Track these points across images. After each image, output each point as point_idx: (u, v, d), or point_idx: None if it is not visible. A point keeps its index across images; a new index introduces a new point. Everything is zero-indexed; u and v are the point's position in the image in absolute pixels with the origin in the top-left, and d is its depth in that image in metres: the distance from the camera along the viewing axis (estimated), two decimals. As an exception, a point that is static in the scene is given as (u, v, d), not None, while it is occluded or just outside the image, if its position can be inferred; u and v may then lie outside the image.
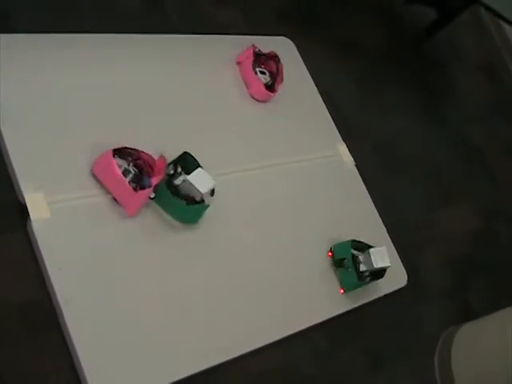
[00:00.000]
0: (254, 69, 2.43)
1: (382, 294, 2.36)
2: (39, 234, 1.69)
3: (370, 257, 2.18)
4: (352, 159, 2.62)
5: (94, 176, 1.83)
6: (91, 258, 1.75)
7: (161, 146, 2.00)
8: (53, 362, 1.61)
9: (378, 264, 2.18)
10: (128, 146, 1.85)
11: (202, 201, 1.95)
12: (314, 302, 2.17)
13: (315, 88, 2.70)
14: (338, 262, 2.24)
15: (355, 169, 2.61)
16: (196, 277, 1.93)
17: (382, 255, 2.20)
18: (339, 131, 2.66)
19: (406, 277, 2.50)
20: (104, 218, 1.83)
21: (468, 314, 2.64)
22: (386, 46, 3.31)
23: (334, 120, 2.66)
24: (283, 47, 2.65)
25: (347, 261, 2.20)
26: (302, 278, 2.19)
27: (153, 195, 1.85)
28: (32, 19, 2.06)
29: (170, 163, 1.95)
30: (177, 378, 1.73)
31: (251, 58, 2.42)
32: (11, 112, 1.82)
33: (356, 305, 2.26)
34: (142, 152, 1.87)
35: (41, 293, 1.66)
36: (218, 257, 2.01)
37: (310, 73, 2.72)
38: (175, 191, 1.90)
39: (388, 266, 2.22)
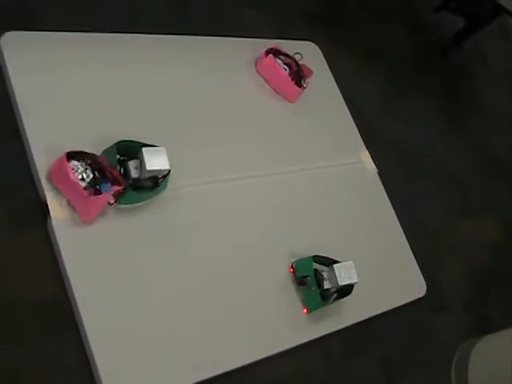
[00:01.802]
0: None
1: (400, 303, 2.34)
2: (59, 233, 1.70)
3: (334, 273, 2.02)
4: (374, 167, 2.60)
5: (51, 182, 1.74)
6: (110, 258, 1.76)
7: (179, 148, 2.02)
8: (68, 361, 1.61)
9: (343, 281, 2.02)
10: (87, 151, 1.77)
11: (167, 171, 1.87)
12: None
13: (339, 93, 2.69)
14: (300, 280, 2.05)
15: (377, 176, 2.59)
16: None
17: (349, 271, 2.04)
18: (362, 138, 2.64)
19: (425, 287, 2.48)
20: (123, 218, 1.83)
21: (487, 326, 2.62)
22: (412, 53, 3.29)
23: (357, 127, 2.65)
24: (309, 51, 2.64)
25: (310, 279, 2.03)
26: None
27: (112, 200, 1.77)
28: (58, 18, 2.08)
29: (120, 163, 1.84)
30: (190, 383, 1.73)
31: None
32: (35, 111, 1.83)
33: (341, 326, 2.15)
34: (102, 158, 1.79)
35: (59, 291, 1.67)
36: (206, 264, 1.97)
37: (334, 78, 2.70)
38: (140, 185, 1.82)
39: (355, 283, 2.06)
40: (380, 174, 2.61)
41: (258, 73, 2.45)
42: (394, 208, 2.56)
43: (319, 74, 2.63)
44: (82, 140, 1.86)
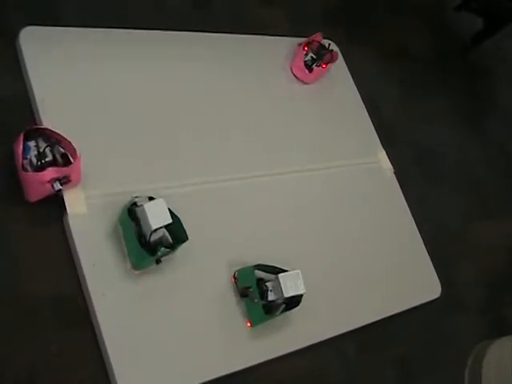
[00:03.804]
0: (304, 49, 2.50)
1: (415, 304, 2.34)
2: (75, 229, 1.70)
3: (279, 284, 1.84)
4: (391, 166, 2.59)
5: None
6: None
7: (192, 145, 2.05)
8: (82, 357, 1.62)
9: (288, 292, 1.83)
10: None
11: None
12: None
13: (357, 92, 2.68)
14: (242, 291, 1.90)
15: (394, 177, 2.58)
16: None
17: (295, 280, 1.84)
18: (380, 138, 2.63)
19: (440, 288, 2.47)
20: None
21: (501, 329, 2.60)
22: (432, 53, 3.27)
23: (374, 126, 2.64)
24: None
25: (252, 290, 1.87)
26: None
27: (58, 187, 1.66)
28: (77, 13, 2.08)
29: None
30: (204, 380, 1.73)
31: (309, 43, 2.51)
32: (53, 107, 1.84)
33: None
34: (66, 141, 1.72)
35: (74, 287, 1.67)
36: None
37: (352, 77, 2.69)
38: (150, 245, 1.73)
39: (302, 293, 1.87)
40: (397, 174, 2.59)
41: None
42: (410, 208, 2.54)
43: (337, 72, 2.62)
44: (100, 135, 1.88)
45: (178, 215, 1.76)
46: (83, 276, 1.67)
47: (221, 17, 2.45)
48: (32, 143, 1.68)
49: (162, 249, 1.71)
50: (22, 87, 1.85)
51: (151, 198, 1.75)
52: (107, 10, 2.16)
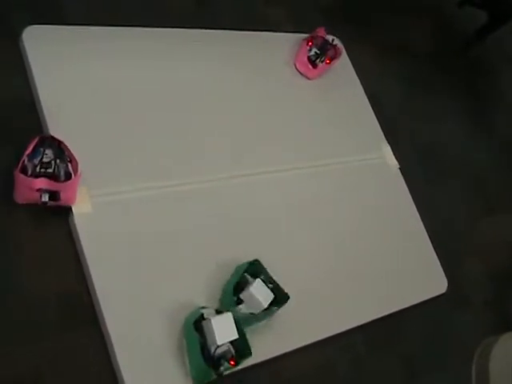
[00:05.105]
0: (308, 44, 2.50)
1: (422, 299, 2.33)
2: (80, 228, 1.70)
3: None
4: (396, 163, 2.59)
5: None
6: (132, 254, 1.76)
7: (195, 143, 2.05)
8: (89, 357, 1.62)
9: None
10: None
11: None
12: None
13: (362, 89, 2.67)
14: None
15: (399, 173, 2.58)
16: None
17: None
18: (384, 134, 2.63)
19: (446, 283, 2.46)
20: (147, 213, 1.84)
21: (508, 324, 2.60)
22: (435, 49, 3.26)
23: (378, 123, 2.64)
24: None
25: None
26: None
27: (45, 199, 1.64)
28: (79, 12, 2.08)
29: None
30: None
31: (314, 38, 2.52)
32: (57, 106, 1.84)
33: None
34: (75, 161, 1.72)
35: (80, 286, 1.67)
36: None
37: (356, 73, 2.69)
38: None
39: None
40: (401, 170, 2.59)
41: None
42: (415, 205, 2.54)
43: (341, 69, 2.62)
44: (103, 134, 1.88)
45: (180, 214, 1.76)
46: (89, 274, 1.66)
47: (223, 15, 2.45)
48: (42, 150, 1.67)
49: (226, 364, 1.69)
50: (26, 86, 1.85)
51: (218, 312, 1.74)
52: (110, 7, 2.16)
